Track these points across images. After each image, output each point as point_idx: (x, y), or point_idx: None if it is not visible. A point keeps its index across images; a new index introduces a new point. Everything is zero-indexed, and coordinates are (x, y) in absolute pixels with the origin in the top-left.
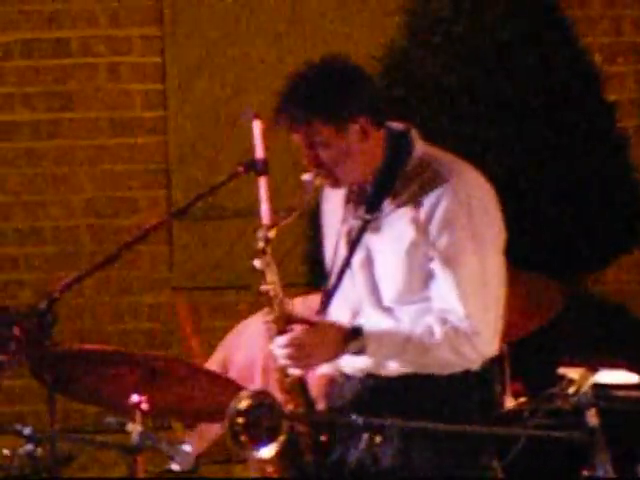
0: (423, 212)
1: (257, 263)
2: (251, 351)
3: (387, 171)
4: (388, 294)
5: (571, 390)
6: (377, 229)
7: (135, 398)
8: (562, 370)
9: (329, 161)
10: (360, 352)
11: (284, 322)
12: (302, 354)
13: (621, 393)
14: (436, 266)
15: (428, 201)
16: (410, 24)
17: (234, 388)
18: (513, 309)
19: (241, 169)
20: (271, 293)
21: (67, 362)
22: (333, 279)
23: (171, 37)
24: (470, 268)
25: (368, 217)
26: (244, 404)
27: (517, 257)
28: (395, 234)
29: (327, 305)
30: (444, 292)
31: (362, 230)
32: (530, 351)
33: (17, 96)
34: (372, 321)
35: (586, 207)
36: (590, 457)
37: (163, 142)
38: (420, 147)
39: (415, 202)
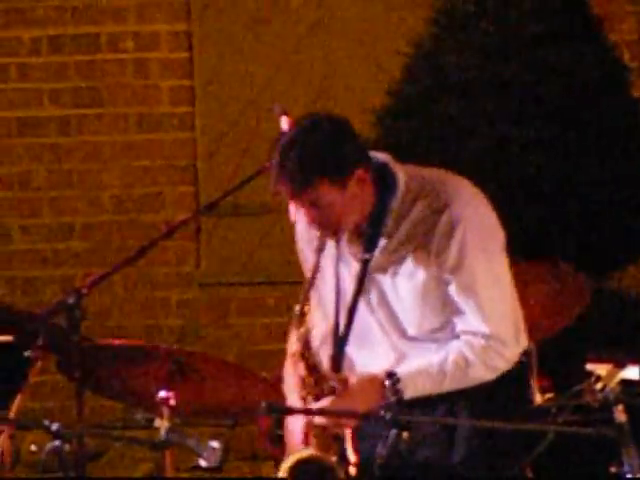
0: (433, 246)
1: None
2: None
3: (379, 209)
4: (411, 325)
5: (599, 386)
6: (384, 268)
7: (163, 394)
8: (590, 366)
9: (333, 218)
10: (398, 398)
11: (320, 383)
12: (341, 420)
13: None
14: (454, 291)
15: (434, 234)
16: (436, 20)
17: (263, 384)
18: (543, 300)
19: (269, 165)
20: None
21: (95, 357)
22: (343, 320)
23: (199, 33)
24: (487, 287)
25: (367, 256)
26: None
27: (544, 256)
28: (406, 271)
29: (342, 347)
30: (466, 315)
31: (364, 270)
32: (556, 347)
33: (45, 92)
34: (403, 365)
35: (612, 205)
36: (618, 453)
37: (191, 138)
38: (402, 178)
39: (420, 236)
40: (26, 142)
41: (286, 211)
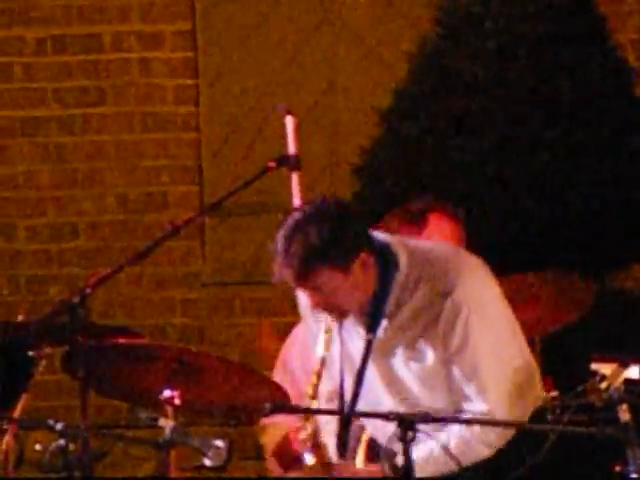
0: (439, 330)
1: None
2: (304, 357)
3: (381, 290)
4: (420, 404)
5: (603, 385)
6: (388, 349)
7: (167, 393)
8: (594, 366)
9: (336, 302)
10: None
11: (325, 470)
12: None
13: None
14: (458, 373)
15: (440, 319)
16: (441, 19)
17: (265, 382)
18: (545, 306)
19: (273, 164)
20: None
21: (99, 356)
22: (350, 386)
23: (203, 32)
24: (491, 368)
25: (370, 337)
26: None
27: (548, 256)
28: (413, 354)
29: (347, 427)
30: (469, 396)
31: (368, 349)
32: (560, 347)
33: (49, 91)
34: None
35: (613, 205)
36: (622, 452)
37: (195, 138)
38: (404, 259)
39: (424, 321)
40: (31, 141)
41: (288, 210)
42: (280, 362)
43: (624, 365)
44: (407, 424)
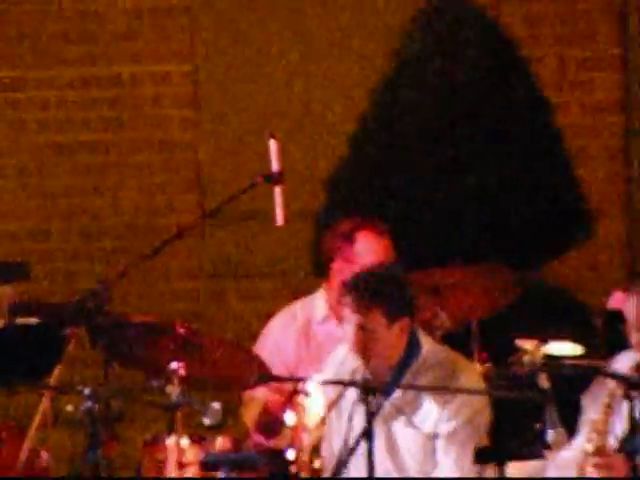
0: (440, 405)
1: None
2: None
3: (402, 364)
4: (411, 468)
5: (526, 358)
6: (393, 416)
7: (174, 365)
8: (518, 342)
9: (370, 344)
10: None
11: None
12: None
13: (568, 362)
14: (441, 446)
15: (441, 398)
16: (396, 61)
17: (254, 360)
18: (480, 294)
19: (260, 180)
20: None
21: (119, 332)
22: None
23: (203, 72)
24: (465, 447)
25: (381, 401)
26: None
27: (486, 251)
28: (416, 420)
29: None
30: (443, 465)
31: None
32: (494, 327)
33: (78, 120)
34: None
35: (542, 210)
36: (542, 413)
37: (196, 158)
38: (425, 346)
39: (429, 397)
40: (65, 161)
41: (273, 218)
42: (255, 349)
43: (543, 341)
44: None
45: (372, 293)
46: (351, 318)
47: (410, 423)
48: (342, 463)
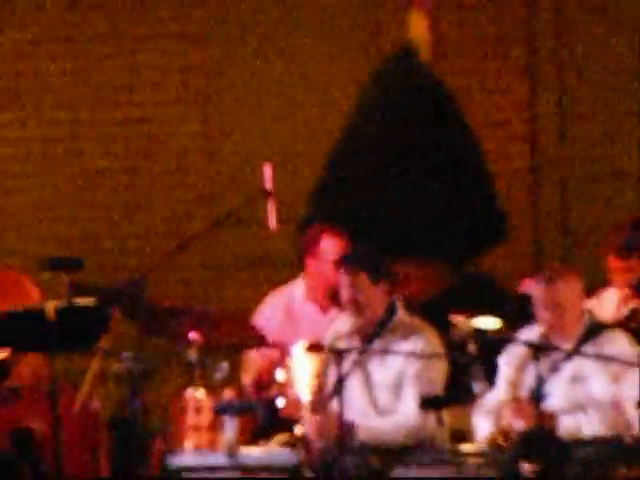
0: (409, 352)
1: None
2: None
3: (381, 322)
4: (382, 403)
5: (458, 329)
6: (372, 361)
7: (192, 335)
8: (452, 317)
9: (360, 299)
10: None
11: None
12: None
13: (490, 332)
14: (406, 382)
15: (411, 345)
16: (360, 106)
17: (251, 330)
18: (419, 280)
19: (257, 194)
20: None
21: (151, 311)
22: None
23: (213, 114)
24: (424, 386)
25: (365, 347)
26: None
27: (422, 246)
28: (387, 365)
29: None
30: (404, 398)
31: (360, 358)
32: (432, 308)
33: (112, 151)
34: (364, 421)
35: (470, 213)
36: (470, 371)
37: (209, 180)
38: (399, 310)
39: (402, 345)
40: (112, 187)
41: (264, 224)
42: (252, 322)
43: (471, 317)
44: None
45: (358, 261)
46: (345, 281)
47: (383, 363)
48: (325, 398)
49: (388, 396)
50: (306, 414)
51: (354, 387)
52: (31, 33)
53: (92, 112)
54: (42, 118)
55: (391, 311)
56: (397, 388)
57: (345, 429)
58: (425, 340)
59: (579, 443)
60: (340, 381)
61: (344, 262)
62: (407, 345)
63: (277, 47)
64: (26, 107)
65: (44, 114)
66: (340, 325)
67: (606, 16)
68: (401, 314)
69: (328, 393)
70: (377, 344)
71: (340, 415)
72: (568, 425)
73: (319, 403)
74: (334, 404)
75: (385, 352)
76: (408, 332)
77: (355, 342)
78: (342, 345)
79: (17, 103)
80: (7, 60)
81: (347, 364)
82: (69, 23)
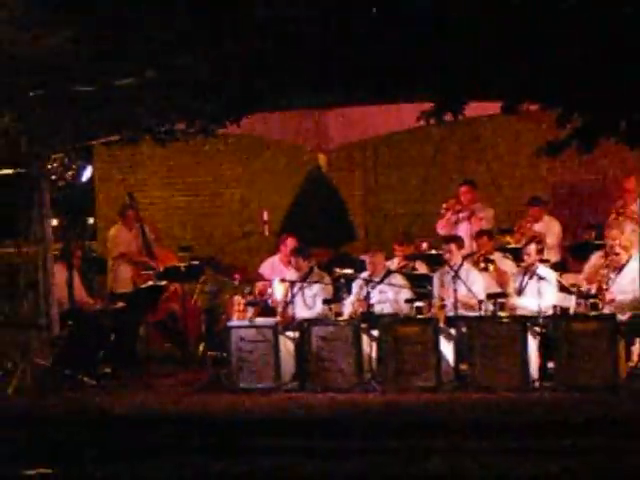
0: (319, 282)
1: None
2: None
3: (308, 272)
4: (309, 303)
5: (337, 273)
6: (305, 287)
7: (237, 276)
8: (334, 269)
9: (298, 266)
10: None
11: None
12: None
13: (348, 275)
14: (317, 294)
15: (319, 280)
16: (295, 203)
17: (258, 274)
18: (321, 256)
19: (262, 223)
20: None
21: (221, 267)
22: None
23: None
24: (324, 294)
25: (303, 282)
26: None
27: (320, 243)
28: (311, 288)
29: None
30: (316, 301)
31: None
32: (327, 267)
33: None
34: (302, 311)
35: (338, 227)
36: (341, 290)
37: (241, 217)
38: (315, 268)
39: (316, 280)
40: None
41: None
42: (260, 269)
43: (341, 269)
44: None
45: (300, 252)
46: (294, 258)
47: (309, 288)
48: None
49: (311, 299)
50: (280, 302)
51: (298, 298)
52: None
53: None
54: None
55: (311, 268)
56: (314, 297)
57: (290, 314)
58: (324, 278)
59: None
60: (293, 295)
61: (294, 251)
62: (318, 280)
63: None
64: None
65: None
66: (291, 274)
67: None
68: (315, 270)
69: (287, 297)
70: (308, 280)
71: (292, 310)
72: None
73: (283, 301)
74: (290, 305)
75: (311, 282)
76: (318, 276)
77: (298, 280)
78: (292, 279)
79: None
80: None
81: (295, 289)
82: None
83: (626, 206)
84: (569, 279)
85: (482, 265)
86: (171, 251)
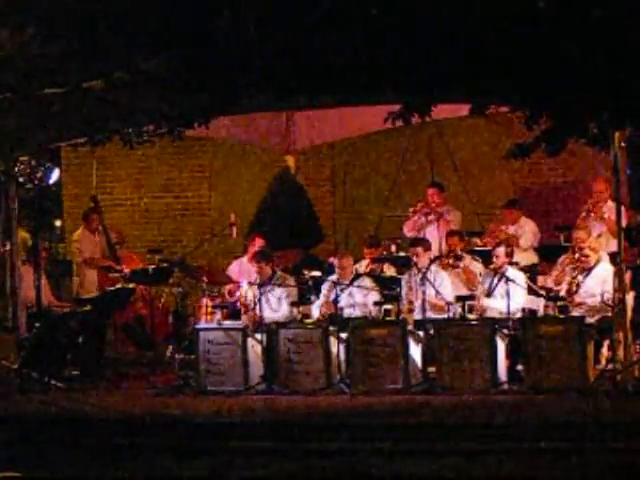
0: (283, 285)
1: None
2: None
3: (272, 275)
4: (274, 306)
5: (304, 277)
6: (269, 289)
7: (204, 278)
8: (304, 272)
9: (262, 272)
10: None
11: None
12: None
13: (316, 277)
14: (282, 297)
15: (283, 283)
16: (266, 202)
17: (226, 275)
18: (287, 259)
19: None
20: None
21: (187, 268)
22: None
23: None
24: (291, 297)
25: (266, 285)
26: None
27: (287, 245)
28: (275, 290)
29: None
30: (282, 303)
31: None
32: (293, 270)
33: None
34: (269, 313)
35: (310, 231)
36: (307, 292)
37: (210, 218)
38: (278, 272)
39: (279, 283)
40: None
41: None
42: (228, 270)
43: (310, 271)
44: None
45: (261, 257)
46: (256, 263)
47: (273, 290)
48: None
49: (276, 302)
50: (249, 304)
51: (265, 299)
52: None
53: None
54: None
55: (274, 272)
56: (279, 300)
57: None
58: (288, 281)
59: None
60: (260, 299)
61: (256, 257)
62: (281, 283)
63: None
64: None
65: None
66: (254, 276)
67: None
68: (278, 273)
69: (254, 300)
70: (271, 282)
71: (260, 310)
72: None
73: (251, 303)
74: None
75: (275, 285)
76: (282, 279)
77: (261, 283)
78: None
79: None
80: None
81: (260, 292)
82: None
83: (596, 204)
84: (541, 281)
85: (452, 262)
86: (135, 254)
